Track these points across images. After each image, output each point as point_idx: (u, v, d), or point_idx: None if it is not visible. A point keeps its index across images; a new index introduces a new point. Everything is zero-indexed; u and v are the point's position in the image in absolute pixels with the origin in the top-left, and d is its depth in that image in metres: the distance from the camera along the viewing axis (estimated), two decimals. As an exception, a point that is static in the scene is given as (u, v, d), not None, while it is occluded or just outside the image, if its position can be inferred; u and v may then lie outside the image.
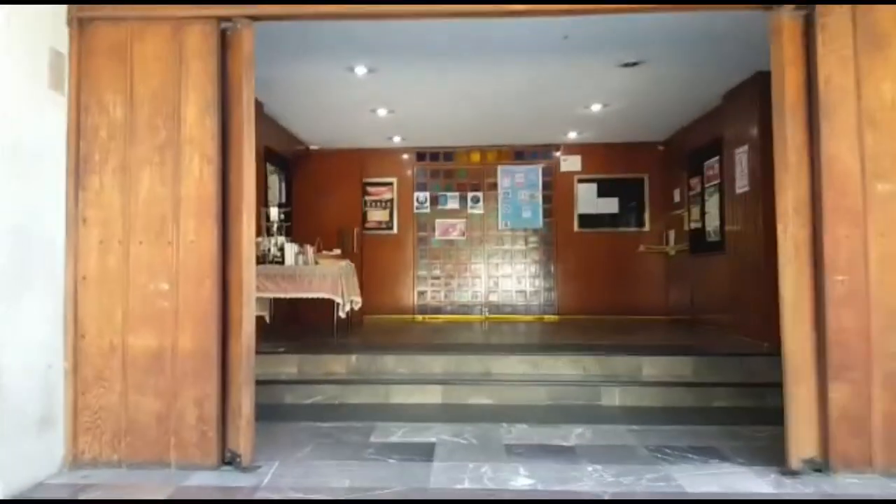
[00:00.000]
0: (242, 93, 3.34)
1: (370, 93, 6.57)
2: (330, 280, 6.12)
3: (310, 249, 6.45)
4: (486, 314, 9.13)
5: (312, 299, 6.21)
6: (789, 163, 3.31)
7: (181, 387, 3.18)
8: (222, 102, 3.38)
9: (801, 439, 3.21)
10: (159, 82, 3.36)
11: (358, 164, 7.99)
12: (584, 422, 4.20)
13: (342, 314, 6.10)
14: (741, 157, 6.32)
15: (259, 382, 5.08)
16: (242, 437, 3.15)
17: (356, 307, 7.01)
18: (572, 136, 8.63)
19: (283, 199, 7.84)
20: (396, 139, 8.72)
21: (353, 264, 6.94)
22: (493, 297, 9.19)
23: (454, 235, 9.18)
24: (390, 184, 9.27)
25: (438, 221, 9.22)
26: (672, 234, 8.76)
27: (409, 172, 9.28)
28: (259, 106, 6.84)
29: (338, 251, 6.95)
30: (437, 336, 6.95)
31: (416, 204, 9.22)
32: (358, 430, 3.83)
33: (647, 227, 9.05)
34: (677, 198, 8.56)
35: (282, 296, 6.24)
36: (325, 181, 8.06)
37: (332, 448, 3.54)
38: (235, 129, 3.37)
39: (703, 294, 7.67)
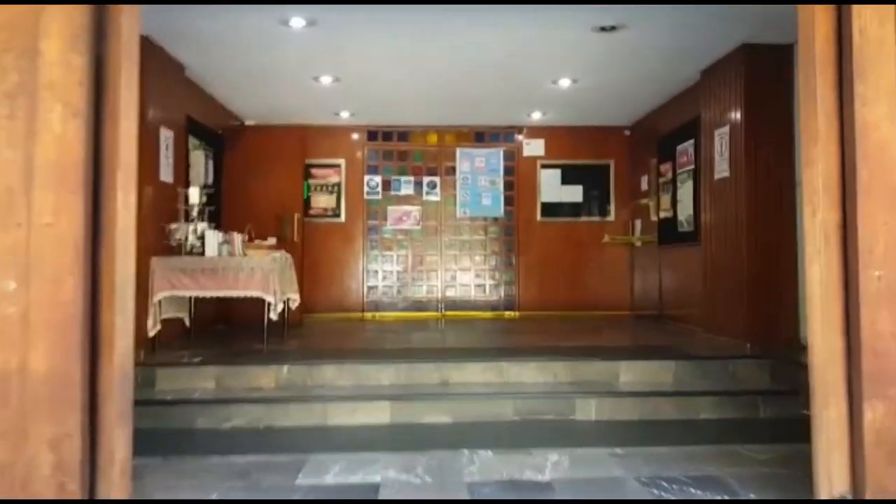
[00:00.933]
0: (122, 20, 2.49)
1: (310, 54, 5.74)
2: (260, 275, 5.28)
3: (237, 238, 5.59)
4: (443, 311, 8.43)
5: (242, 297, 5.36)
6: (819, 132, 2.69)
7: (31, 423, 2.33)
8: (97, 33, 2.51)
9: (834, 471, 2.62)
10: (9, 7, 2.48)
11: (300, 142, 7.12)
12: (560, 444, 3.54)
13: (274, 315, 5.28)
14: (721, 140, 5.77)
15: (166, 403, 4.26)
16: (116, 490, 2.34)
17: (293, 305, 6.18)
18: (536, 116, 7.97)
19: (210, 180, 6.92)
20: (344, 115, 7.88)
21: (290, 256, 6.11)
22: (451, 293, 8.48)
23: (408, 224, 8.43)
24: (337, 166, 8.43)
25: (391, 209, 8.45)
26: (638, 223, 8.23)
27: (358, 154, 8.47)
28: (179, 68, 5.94)
29: (273, 240, 6.10)
30: (388, 338, 6.20)
31: (366, 189, 8.42)
32: (283, 467, 3.05)
33: (612, 217, 8.49)
34: (645, 185, 8.02)
35: (201, 294, 5.37)
36: (263, 161, 7.18)
37: (246, 495, 2.76)
38: (112, 70, 2.51)
39: (672, 288, 7.15)
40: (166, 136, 5.64)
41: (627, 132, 8.48)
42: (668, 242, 7.17)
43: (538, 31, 5.14)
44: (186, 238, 5.49)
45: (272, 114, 7.59)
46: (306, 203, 8.35)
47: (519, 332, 6.63)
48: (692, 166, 6.52)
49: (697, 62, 5.95)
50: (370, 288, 8.44)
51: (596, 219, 8.49)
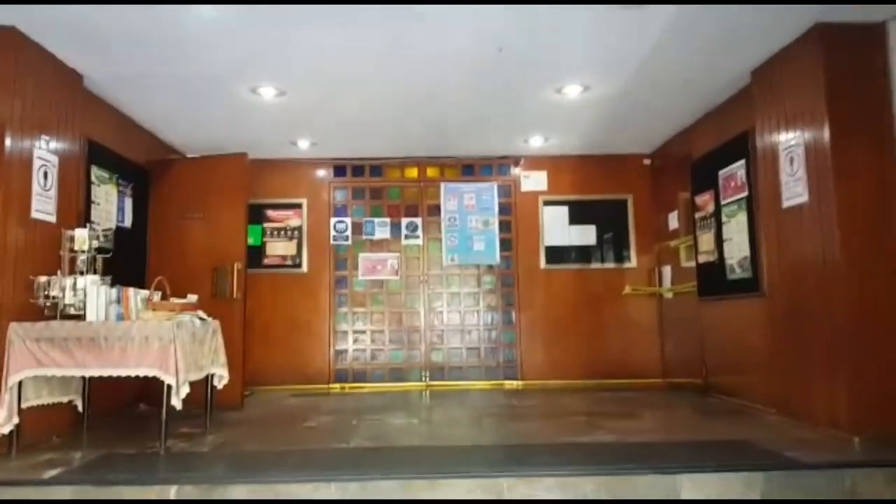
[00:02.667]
0: None
1: (242, 56, 4.34)
2: (157, 347, 3.70)
3: (134, 297, 4.03)
4: (428, 381, 6.79)
5: (136, 377, 3.76)
6: None
7: None
8: None
9: None
10: None
11: (241, 177, 5.60)
12: None
13: (177, 402, 3.67)
14: (791, 155, 4.32)
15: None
16: None
17: (219, 384, 4.58)
18: (535, 143, 6.56)
19: (127, 222, 5.41)
20: (303, 144, 6.46)
21: (215, 321, 4.55)
22: (437, 357, 6.87)
23: (385, 275, 6.90)
24: (298, 206, 6.96)
25: (363, 256, 6.93)
26: (667, 270, 6.71)
27: (323, 192, 7.01)
28: (71, 76, 4.56)
29: (193, 298, 4.54)
30: (346, 427, 4.57)
31: (333, 233, 6.93)
32: None
33: (632, 263, 6.97)
34: (674, 223, 6.54)
35: (78, 373, 3.79)
36: (198, 200, 5.69)
37: None
38: None
39: (720, 352, 5.57)
40: (45, 161, 4.17)
41: (647, 161, 7.07)
42: (712, 293, 5.63)
43: (542, 13, 3.76)
44: (62, 296, 3.93)
45: (211, 142, 6.17)
46: (259, 251, 6.85)
47: (524, 415, 5.00)
48: (744, 194, 5.05)
49: (747, 59, 4.58)
50: (338, 353, 6.83)
51: (613, 266, 6.97)
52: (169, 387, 3.69)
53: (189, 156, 6.44)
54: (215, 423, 4.62)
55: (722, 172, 5.40)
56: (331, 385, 6.72)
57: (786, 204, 4.37)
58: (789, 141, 4.34)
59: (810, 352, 4.13)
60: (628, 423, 4.47)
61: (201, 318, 4.25)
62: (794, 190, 4.27)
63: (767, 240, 4.65)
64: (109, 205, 5.14)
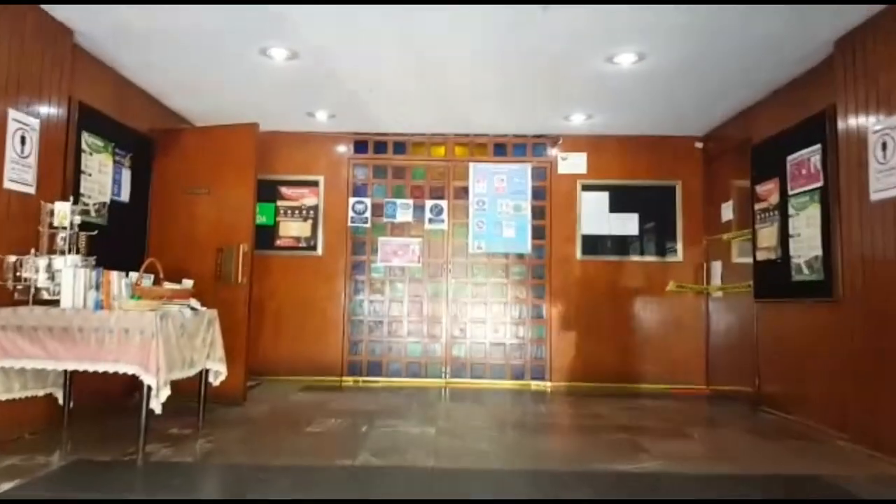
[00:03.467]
0: None
1: (249, 12, 3.80)
2: (139, 342, 3.24)
3: (119, 282, 3.56)
4: (447, 378, 6.28)
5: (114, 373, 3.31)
6: None
7: None
8: None
9: None
10: None
11: (249, 149, 5.07)
12: None
13: (157, 406, 3.21)
14: (884, 138, 3.63)
15: None
16: None
17: (216, 380, 4.12)
18: (577, 121, 5.92)
19: (125, 196, 4.96)
20: (321, 116, 5.92)
21: (210, 310, 4.08)
22: (459, 353, 6.34)
23: (405, 261, 6.37)
24: (314, 184, 6.45)
25: (383, 240, 6.40)
26: (717, 266, 6.04)
27: (342, 169, 6.48)
28: (58, 30, 4.06)
29: (188, 284, 4.07)
30: (359, 432, 4.08)
31: (351, 214, 6.41)
32: None
33: (678, 257, 6.31)
34: (728, 215, 5.86)
35: (49, 366, 3.34)
36: (204, 174, 5.22)
37: None
38: None
39: (778, 362, 4.93)
40: (22, 124, 3.70)
41: (699, 144, 6.37)
42: (771, 295, 4.98)
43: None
44: (35, 279, 3.49)
45: (221, 112, 5.68)
46: (271, 231, 6.37)
47: (554, 428, 4.45)
48: (818, 184, 4.37)
49: (830, 26, 3.88)
50: (353, 343, 6.35)
51: (656, 259, 6.33)
52: (149, 387, 3.22)
53: (187, 122, 5.98)
54: (210, 422, 4.18)
55: (791, 158, 4.71)
56: (343, 378, 6.25)
57: (874, 197, 3.70)
58: (882, 123, 3.65)
59: (891, 364, 3.49)
60: (676, 444, 3.89)
61: (193, 308, 3.77)
62: (887, 181, 3.59)
63: (847, 238, 3.98)
64: (103, 176, 4.68)
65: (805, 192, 4.53)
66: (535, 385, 6.22)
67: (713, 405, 5.41)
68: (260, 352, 6.23)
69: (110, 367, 3.28)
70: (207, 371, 4.06)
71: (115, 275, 3.59)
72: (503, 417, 4.65)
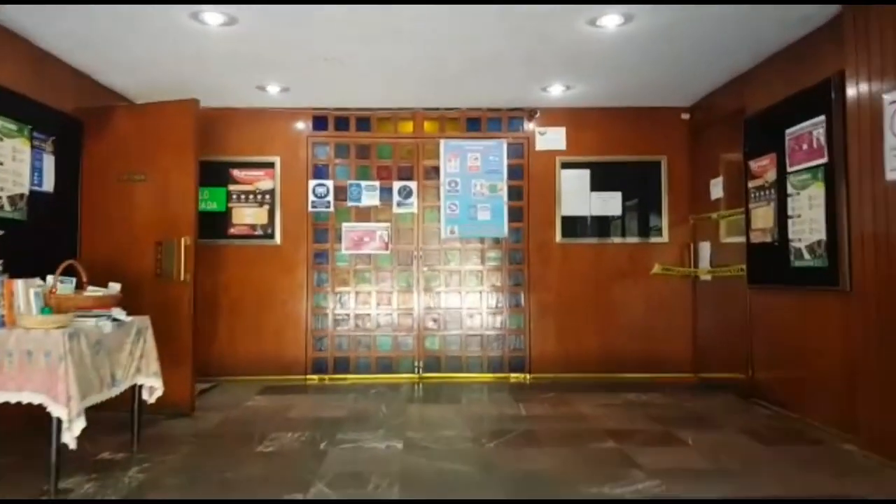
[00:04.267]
0: None
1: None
2: (44, 366, 2.73)
3: (24, 291, 3.02)
4: (421, 372, 5.84)
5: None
6: None
7: None
8: None
9: None
10: None
11: (188, 129, 4.43)
12: None
13: (70, 440, 2.71)
14: (902, 110, 3.22)
15: None
16: None
17: (151, 397, 3.62)
18: (556, 92, 5.43)
19: (47, 186, 4.36)
20: (272, 90, 5.34)
21: (141, 317, 3.57)
22: (432, 345, 5.90)
23: (372, 248, 5.87)
24: (270, 166, 5.88)
25: (347, 226, 5.89)
26: (705, 248, 5.66)
27: (300, 149, 5.91)
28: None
29: (115, 288, 3.54)
30: (317, 450, 3.64)
31: (311, 198, 5.87)
32: None
33: (664, 237, 5.92)
34: (718, 192, 5.46)
35: (-64, 398, 2.82)
36: (141, 158, 4.63)
37: None
38: None
39: (775, 351, 4.58)
40: None
41: (686, 115, 5.93)
42: (767, 280, 4.60)
43: None
44: (-79, 290, 2.93)
45: (159, 87, 5.07)
46: (223, 219, 5.82)
47: (535, 436, 4.05)
48: (822, 160, 3.96)
49: (846, -22, 3.42)
50: (318, 339, 5.87)
51: (640, 240, 5.92)
52: (59, 419, 2.72)
53: (136, 103, 5.36)
54: (150, 441, 3.70)
55: (790, 132, 4.28)
56: (308, 377, 5.79)
57: (891, 176, 3.29)
58: (903, 91, 3.23)
59: (919, 374, 3.13)
60: (670, 455, 3.50)
61: (115, 319, 3.25)
62: (908, 158, 3.19)
63: (857, 221, 3.58)
64: (19, 164, 4.08)
65: (807, 170, 4.12)
66: (514, 377, 5.82)
67: (703, 397, 5.05)
68: (215, 351, 5.73)
69: (12, 397, 2.76)
70: (140, 387, 3.55)
71: (20, 284, 3.05)
72: (479, 423, 4.23)
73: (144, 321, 3.57)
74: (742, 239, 4.95)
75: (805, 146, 4.14)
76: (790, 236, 4.28)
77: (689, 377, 5.77)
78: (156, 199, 4.60)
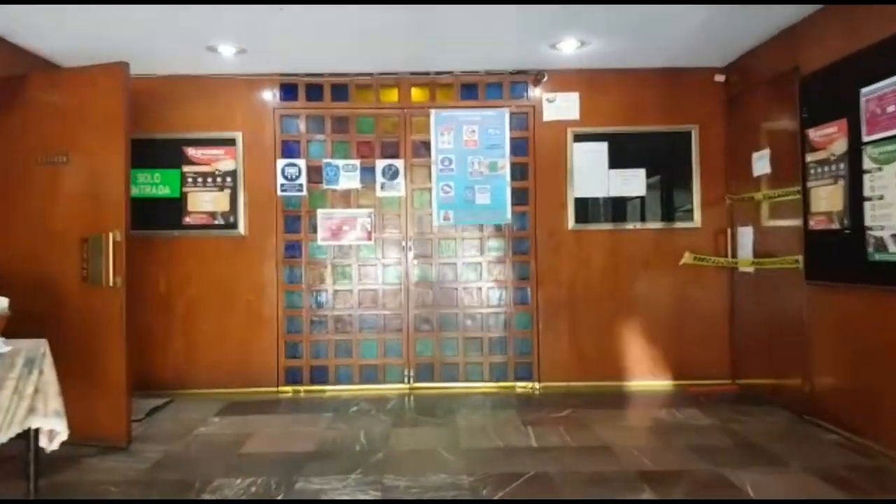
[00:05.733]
0: None
1: None
2: None
3: None
4: (412, 382, 5.02)
5: None
6: None
7: None
8: None
9: None
10: None
11: (118, 100, 3.57)
12: None
13: None
14: None
15: None
16: None
17: (51, 444, 2.80)
18: (567, 50, 4.51)
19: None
20: (226, 52, 4.43)
21: (35, 343, 2.73)
22: (425, 350, 5.07)
23: (353, 238, 5.01)
24: (230, 143, 5.00)
25: (323, 213, 5.02)
26: (747, 234, 4.78)
27: (266, 123, 5.02)
28: None
29: (2, 304, 2.70)
30: (267, 488, 2.83)
31: (281, 181, 5.00)
32: None
33: (695, 222, 5.04)
34: (762, 168, 4.56)
35: None
36: (63, 135, 3.75)
37: None
38: None
39: (842, 364, 3.74)
40: None
41: (721, 77, 5.01)
42: (834, 277, 3.74)
43: None
44: None
45: (90, 50, 4.17)
46: (178, 206, 4.96)
47: (545, 482, 3.23)
48: (920, 124, 3.07)
49: None
50: (291, 345, 5.04)
51: (667, 225, 5.05)
52: None
53: (51, 70, 4.46)
54: (53, 491, 2.88)
55: (867, 92, 3.39)
56: (280, 388, 4.97)
57: None
58: None
59: None
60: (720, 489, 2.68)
61: (-17, 352, 2.41)
62: None
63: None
64: None
65: (892, 139, 3.23)
66: (520, 387, 5.00)
67: (748, 413, 4.22)
68: (171, 361, 4.92)
69: None
70: (37, 431, 2.73)
71: None
72: (479, 460, 3.40)
73: (37, 347, 2.74)
74: (796, 223, 4.08)
75: (891, 109, 3.24)
76: (867, 222, 3.41)
77: (727, 385, 4.94)
78: (81, 185, 3.74)
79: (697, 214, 5.02)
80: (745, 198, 4.75)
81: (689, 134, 5.03)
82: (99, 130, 3.68)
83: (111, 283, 3.58)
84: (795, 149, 4.06)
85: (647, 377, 4.99)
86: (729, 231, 4.96)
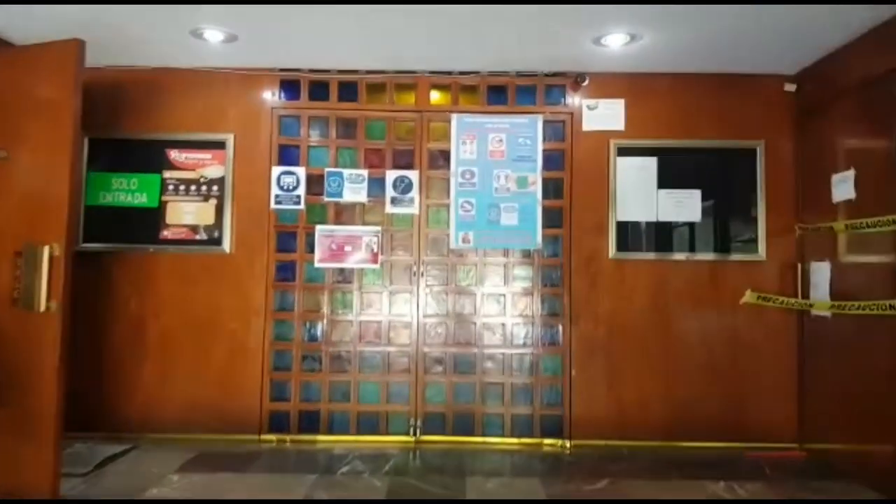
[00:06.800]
0: None
1: None
2: None
3: None
4: (419, 434, 4.24)
5: None
6: None
7: None
8: None
9: None
10: None
11: (67, 84, 2.91)
12: None
13: None
14: None
15: None
16: None
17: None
18: (613, 45, 3.82)
19: None
20: (213, 37, 3.77)
21: None
22: (435, 396, 4.30)
23: (356, 260, 4.29)
24: (219, 146, 4.33)
25: (323, 230, 4.31)
26: (823, 269, 4.00)
27: (262, 124, 4.35)
28: None
29: None
30: None
31: (276, 192, 4.31)
32: None
33: (759, 253, 4.27)
34: (844, 192, 3.80)
35: None
36: (3, 126, 3.11)
37: None
38: None
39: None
40: None
41: (791, 86, 4.28)
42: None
43: None
44: None
45: (47, 28, 3.54)
46: (154, 217, 4.28)
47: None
48: None
49: None
50: (278, 385, 4.29)
51: (726, 257, 4.29)
52: None
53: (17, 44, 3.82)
54: None
55: None
56: (263, 437, 4.21)
57: None
58: None
59: None
60: None
61: None
62: None
63: None
64: None
65: None
66: (548, 445, 4.20)
67: (825, 490, 3.41)
68: (139, 399, 4.20)
69: None
70: None
71: None
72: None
73: None
74: (887, 259, 3.34)
75: None
76: None
77: (793, 450, 4.12)
78: (21, 186, 3.08)
79: (762, 245, 4.26)
80: (822, 228, 3.98)
81: (752, 151, 4.29)
82: (45, 121, 3.03)
83: (44, 308, 2.87)
84: (890, 169, 3.31)
85: (697, 437, 4.18)
86: (799, 266, 4.18)
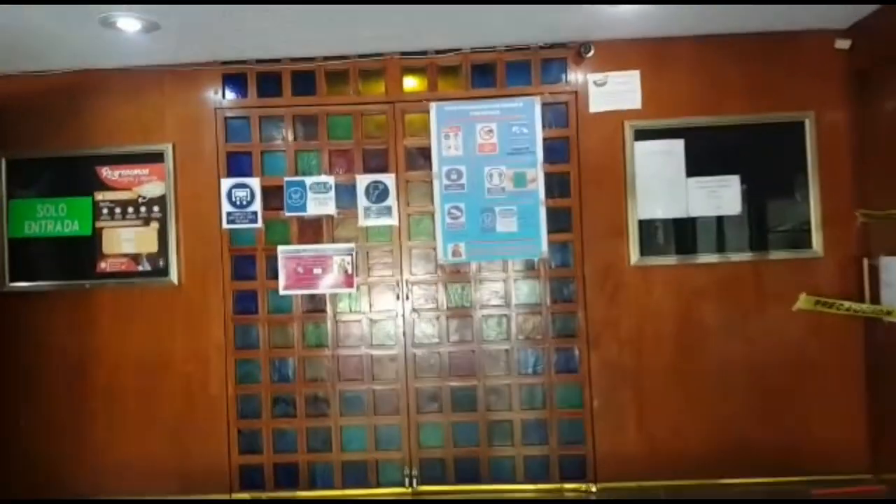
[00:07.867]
0: None
1: None
2: None
3: None
4: (415, 484, 3.59)
5: None
6: None
7: None
8: None
9: None
10: None
11: None
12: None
13: None
14: None
15: None
16: None
17: None
18: (622, 6, 3.06)
19: None
20: (128, 26, 3.06)
21: None
22: (432, 439, 3.64)
23: (328, 285, 3.61)
24: (158, 158, 3.64)
25: (286, 251, 3.63)
26: (893, 267, 3.25)
27: (206, 130, 3.66)
28: None
29: None
30: None
31: (228, 208, 3.62)
32: None
33: (815, 248, 3.52)
34: (924, 170, 3.04)
35: None
36: None
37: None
38: None
39: None
40: None
41: (844, 43, 3.49)
42: None
43: None
44: None
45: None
46: (89, 247, 3.64)
47: None
48: None
49: None
50: (247, 435, 3.66)
51: (773, 254, 3.55)
52: None
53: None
54: None
55: None
56: (235, 495, 3.59)
57: None
58: None
59: None
60: None
61: None
62: None
63: None
64: None
65: None
66: (570, 489, 3.54)
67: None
68: (88, 459, 3.62)
69: None
70: None
71: None
72: None
73: None
74: None
75: None
76: None
77: (864, 482, 3.42)
78: None
79: (816, 239, 3.51)
80: (892, 214, 3.23)
81: (799, 125, 3.53)
82: None
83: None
84: None
85: (745, 472, 3.50)
86: (865, 262, 3.44)
